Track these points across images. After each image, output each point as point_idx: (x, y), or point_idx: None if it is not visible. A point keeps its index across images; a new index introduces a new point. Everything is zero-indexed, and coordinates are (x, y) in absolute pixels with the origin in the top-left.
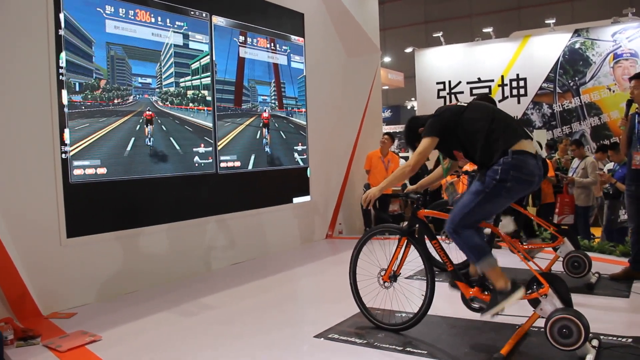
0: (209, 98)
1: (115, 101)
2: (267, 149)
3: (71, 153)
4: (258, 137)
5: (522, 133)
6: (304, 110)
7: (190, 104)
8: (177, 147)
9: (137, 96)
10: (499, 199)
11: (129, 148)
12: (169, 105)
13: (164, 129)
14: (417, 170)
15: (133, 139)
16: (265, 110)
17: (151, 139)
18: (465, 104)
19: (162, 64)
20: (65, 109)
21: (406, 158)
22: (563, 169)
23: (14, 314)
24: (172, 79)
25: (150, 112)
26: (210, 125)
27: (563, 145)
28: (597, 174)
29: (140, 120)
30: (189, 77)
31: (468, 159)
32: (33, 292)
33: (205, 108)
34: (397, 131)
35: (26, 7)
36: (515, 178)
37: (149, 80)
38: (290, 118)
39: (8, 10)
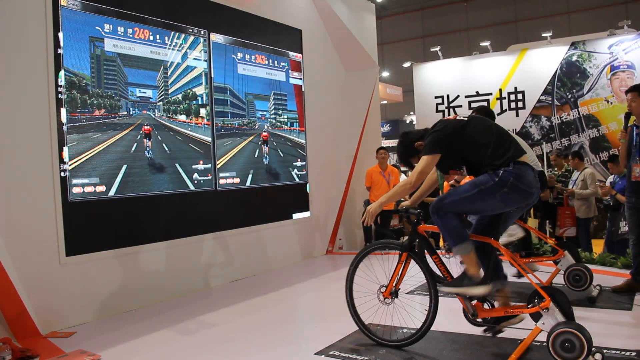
0: (207, 114)
1: (101, 112)
2: (266, 165)
3: (70, 167)
4: (257, 153)
5: (521, 150)
6: (302, 128)
7: (188, 118)
8: (177, 165)
9: (134, 110)
10: (492, 199)
11: (127, 165)
12: (168, 118)
13: (165, 147)
14: (417, 187)
15: (132, 155)
16: (265, 129)
17: (150, 152)
18: (466, 118)
19: (160, 80)
20: (64, 127)
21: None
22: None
23: (12, 334)
24: (169, 94)
25: (149, 127)
26: (209, 139)
27: (553, 158)
28: (597, 185)
29: (139, 136)
30: (186, 92)
31: (470, 174)
32: (32, 311)
33: (204, 123)
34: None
35: (25, 26)
36: (513, 185)
37: (148, 93)
38: (289, 136)
39: (7, 29)
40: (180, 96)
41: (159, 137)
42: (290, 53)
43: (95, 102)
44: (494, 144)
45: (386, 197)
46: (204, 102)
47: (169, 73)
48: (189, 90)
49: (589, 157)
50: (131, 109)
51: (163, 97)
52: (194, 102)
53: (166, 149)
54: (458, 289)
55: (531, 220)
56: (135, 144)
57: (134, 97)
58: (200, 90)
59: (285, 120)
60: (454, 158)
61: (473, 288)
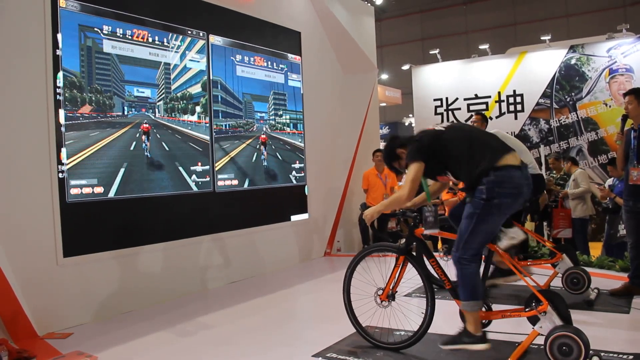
0: (205, 113)
1: (90, 110)
2: (264, 167)
3: (67, 167)
4: (256, 155)
5: (502, 149)
6: (301, 131)
7: (187, 117)
8: (176, 164)
9: (131, 110)
10: (492, 217)
11: (126, 164)
12: (168, 118)
13: (164, 145)
14: (412, 198)
15: (130, 154)
16: (263, 131)
17: (148, 151)
18: (443, 128)
19: (159, 79)
20: (62, 129)
21: None
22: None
23: (9, 335)
24: (167, 92)
25: (148, 125)
26: (207, 138)
27: (551, 161)
28: (588, 182)
29: (137, 134)
30: (185, 92)
31: (456, 179)
32: (28, 312)
33: (203, 121)
34: None
35: (23, 27)
36: (501, 194)
37: (146, 92)
38: (287, 139)
39: (5, 30)
40: (178, 95)
41: (158, 136)
42: (289, 55)
43: (87, 97)
44: (468, 153)
45: (383, 205)
46: (203, 102)
47: (165, 73)
48: (187, 90)
49: (588, 160)
50: (126, 108)
51: (163, 95)
52: (193, 101)
53: (165, 147)
54: (458, 346)
55: (528, 223)
56: (134, 143)
57: (131, 96)
58: (198, 89)
59: (287, 121)
60: (436, 166)
61: (473, 345)
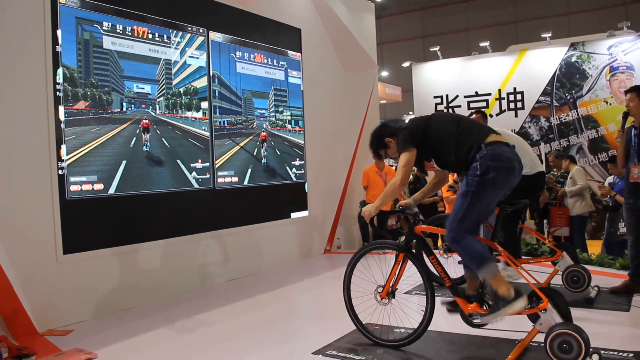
0: (205, 109)
1: (85, 106)
2: (264, 164)
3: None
4: (256, 152)
5: (488, 129)
6: (302, 128)
7: (187, 114)
8: (177, 161)
9: (130, 105)
10: (487, 193)
11: (125, 161)
12: (167, 114)
13: (164, 141)
14: (406, 183)
15: (130, 150)
16: (263, 128)
17: (148, 144)
18: (430, 114)
19: (160, 76)
20: (62, 125)
21: None
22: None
23: (8, 332)
24: (168, 89)
25: (147, 121)
26: (208, 134)
27: (551, 159)
28: (585, 179)
29: (137, 130)
30: (185, 88)
31: (442, 167)
32: (28, 309)
33: (199, 118)
34: None
35: (23, 24)
36: (495, 167)
37: (146, 88)
38: (287, 137)
39: (5, 27)
40: (178, 92)
41: (158, 132)
42: (290, 52)
43: (83, 92)
44: (456, 132)
45: (380, 199)
46: (203, 99)
47: (165, 70)
48: (187, 86)
49: (588, 158)
50: (125, 104)
51: (163, 92)
52: (192, 97)
53: (166, 144)
54: (498, 314)
55: (528, 221)
56: (134, 139)
57: (130, 92)
58: (198, 86)
59: (288, 118)
60: (424, 151)
61: (511, 306)
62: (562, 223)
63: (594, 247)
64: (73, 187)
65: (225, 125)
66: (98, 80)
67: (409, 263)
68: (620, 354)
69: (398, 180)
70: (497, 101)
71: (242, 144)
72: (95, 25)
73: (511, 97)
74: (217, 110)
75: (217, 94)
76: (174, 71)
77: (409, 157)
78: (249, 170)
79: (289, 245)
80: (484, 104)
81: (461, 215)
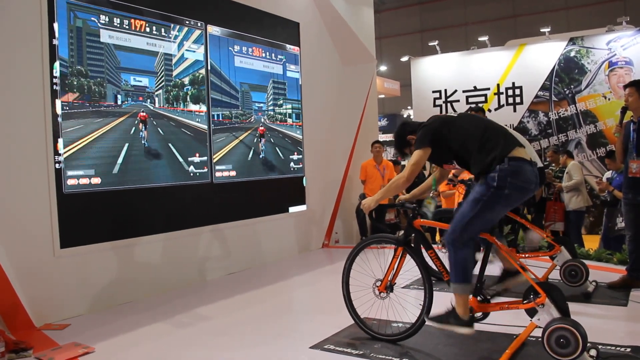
0: (202, 103)
1: (75, 98)
2: (262, 158)
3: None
4: (254, 146)
5: (515, 141)
6: (300, 122)
7: (185, 107)
8: (175, 153)
9: (126, 99)
10: (498, 206)
11: (122, 156)
12: (165, 107)
13: (162, 134)
14: (412, 181)
15: (127, 145)
16: (261, 123)
17: (145, 138)
18: (456, 114)
19: (158, 69)
20: (59, 119)
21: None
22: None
23: (6, 326)
24: (164, 82)
25: (145, 113)
26: (205, 127)
27: (549, 154)
28: (582, 174)
29: (135, 122)
30: (182, 81)
31: (463, 167)
32: (25, 304)
33: (194, 111)
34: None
35: (20, 17)
36: (512, 185)
37: (144, 81)
38: (285, 131)
39: (2, 21)
40: (175, 85)
41: (154, 123)
42: (288, 46)
43: (78, 83)
44: (481, 137)
45: (381, 192)
46: (200, 92)
47: (163, 63)
48: (184, 80)
49: (586, 153)
50: (120, 97)
51: (162, 85)
52: (189, 91)
53: (163, 137)
54: (443, 325)
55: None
56: (131, 131)
57: (127, 85)
58: (195, 80)
59: (286, 111)
60: (444, 152)
61: (458, 328)
62: (557, 218)
63: (592, 242)
64: (70, 181)
65: (224, 119)
66: (94, 72)
67: (408, 257)
68: (618, 348)
69: (404, 177)
70: (496, 96)
71: (240, 138)
72: (92, 19)
73: (510, 92)
74: (218, 104)
75: (216, 89)
76: (172, 64)
77: (421, 155)
78: (247, 164)
79: (287, 239)
80: (482, 98)
81: (467, 221)
